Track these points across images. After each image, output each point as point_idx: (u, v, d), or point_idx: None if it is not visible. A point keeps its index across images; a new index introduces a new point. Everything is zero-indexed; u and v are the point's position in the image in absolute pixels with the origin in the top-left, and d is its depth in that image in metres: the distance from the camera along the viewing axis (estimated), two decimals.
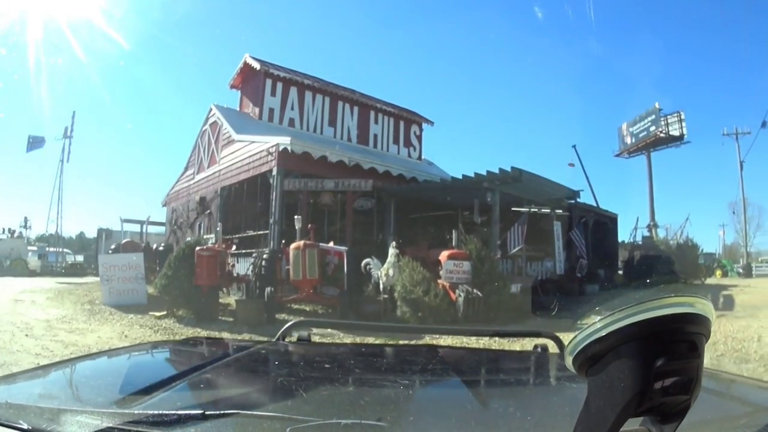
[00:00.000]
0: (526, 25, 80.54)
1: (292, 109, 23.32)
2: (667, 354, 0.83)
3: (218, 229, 17.67)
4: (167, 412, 1.29)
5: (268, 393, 1.77)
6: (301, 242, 13.95)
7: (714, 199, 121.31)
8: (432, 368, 2.26)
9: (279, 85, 23.04)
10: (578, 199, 22.32)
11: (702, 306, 0.86)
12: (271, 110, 22.92)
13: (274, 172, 18.16)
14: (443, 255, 13.68)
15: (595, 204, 28.28)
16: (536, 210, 22.17)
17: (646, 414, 0.88)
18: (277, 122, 22.82)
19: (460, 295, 12.73)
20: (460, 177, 19.11)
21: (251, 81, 23.80)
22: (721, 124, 48.99)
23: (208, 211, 23.59)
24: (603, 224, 27.46)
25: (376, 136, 25.18)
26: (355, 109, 24.68)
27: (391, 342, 6.52)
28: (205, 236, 20.89)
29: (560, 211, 21.78)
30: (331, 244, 15.17)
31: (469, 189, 18.48)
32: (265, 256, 14.81)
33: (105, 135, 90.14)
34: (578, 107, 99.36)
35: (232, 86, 25.09)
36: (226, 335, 9.71)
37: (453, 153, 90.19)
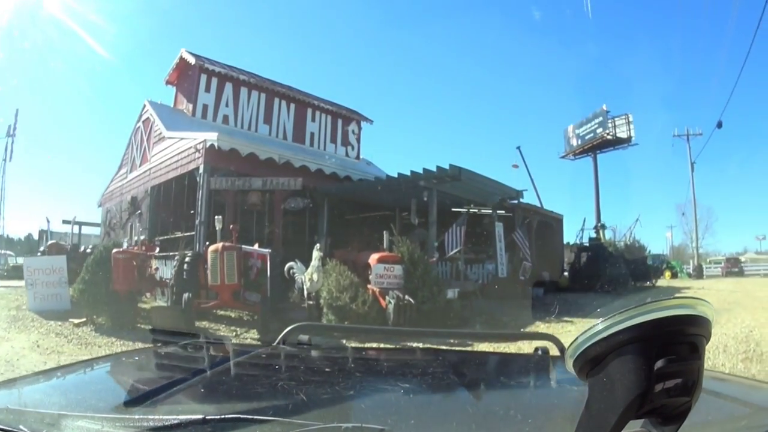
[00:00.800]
0: (472, 24, 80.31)
1: (227, 105, 22.25)
2: (667, 356, 0.84)
3: (139, 229, 16.68)
4: (167, 416, 1.29)
5: (269, 397, 1.74)
6: (220, 244, 12.91)
7: (661, 201, 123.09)
8: (433, 371, 2.24)
9: (214, 81, 22.00)
10: (521, 200, 21.53)
11: (702, 308, 0.90)
12: (205, 106, 21.83)
13: (201, 170, 17.11)
14: (373, 258, 12.73)
15: (539, 206, 27.71)
16: (476, 210, 21.47)
17: (647, 416, 0.90)
18: (211, 119, 21.75)
19: (390, 302, 11.75)
20: (397, 176, 18.34)
21: (186, 76, 22.65)
22: (672, 126, 49.28)
23: (139, 211, 22.36)
24: (548, 225, 26.79)
25: (312, 134, 24.19)
26: (292, 106, 23.64)
27: (391, 346, 6.48)
28: (135, 238, 19.88)
29: (503, 211, 21.02)
30: (257, 246, 14.04)
31: (405, 188, 17.64)
32: (186, 259, 13.62)
33: (55, 133, 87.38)
34: (524, 109, 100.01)
35: (168, 82, 23.85)
36: (139, 345, 9.21)
37: (395, 153, 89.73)
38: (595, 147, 45.33)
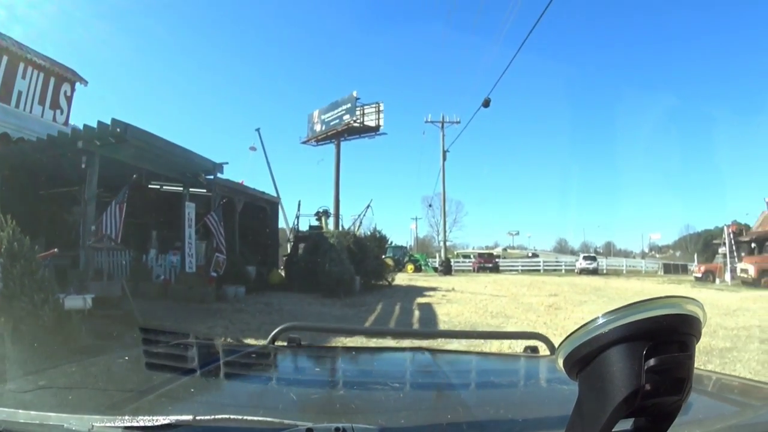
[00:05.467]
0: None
1: None
2: (658, 355, 0.83)
3: None
4: (158, 417, 1.29)
5: (259, 397, 1.81)
6: None
7: (411, 192, 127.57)
8: (423, 371, 2.32)
9: None
10: (220, 174, 17.99)
11: (692, 307, 0.86)
12: None
13: None
14: None
15: (275, 192, 24.97)
16: (158, 186, 18.77)
17: (637, 415, 0.88)
18: None
19: None
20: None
21: None
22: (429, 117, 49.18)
23: None
24: (260, 209, 23.85)
25: (20, 93, 19.16)
26: (4, 59, 18.61)
27: (381, 345, 5.43)
28: None
29: (204, 191, 17.96)
30: None
31: (65, 152, 14.03)
32: None
33: None
34: (269, 93, 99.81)
35: None
36: None
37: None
38: (340, 134, 43.88)
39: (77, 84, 21.77)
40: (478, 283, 29.77)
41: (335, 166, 43.40)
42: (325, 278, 19.38)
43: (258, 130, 34.58)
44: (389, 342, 6.56)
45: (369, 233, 26.49)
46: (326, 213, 28.24)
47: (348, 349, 3.27)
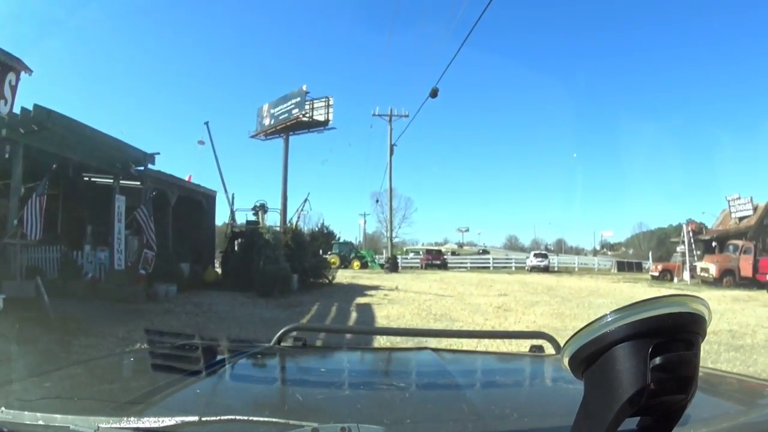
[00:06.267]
0: None
1: None
2: (663, 353, 0.84)
3: None
4: (163, 417, 1.33)
5: (265, 397, 1.84)
6: None
7: (359, 188, 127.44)
8: (429, 371, 2.32)
9: None
10: (152, 165, 17.36)
11: (697, 305, 0.87)
12: None
13: None
14: None
15: (223, 187, 25.02)
16: (92, 178, 18.11)
17: (643, 413, 0.90)
18: None
19: None
20: None
21: None
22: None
23: None
24: (196, 203, 23.15)
25: None
26: None
27: (386, 345, 6.43)
28: None
29: (138, 183, 17.29)
30: None
31: None
32: None
33: None
34: (215, 87, 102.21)
35: None
36: None
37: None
38: (289, 128, 43.74)
39: (22, 73, 21.16)
40: (423, 281, 29.36)
41: (283, 161, 43.26)
42: (260, 277, 18.91)
43: (206, 123, 33.74)
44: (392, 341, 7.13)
45: (317, 229, 26.04)
46: (263, 207, 27.11)
47: (353, 350, 3.36)
